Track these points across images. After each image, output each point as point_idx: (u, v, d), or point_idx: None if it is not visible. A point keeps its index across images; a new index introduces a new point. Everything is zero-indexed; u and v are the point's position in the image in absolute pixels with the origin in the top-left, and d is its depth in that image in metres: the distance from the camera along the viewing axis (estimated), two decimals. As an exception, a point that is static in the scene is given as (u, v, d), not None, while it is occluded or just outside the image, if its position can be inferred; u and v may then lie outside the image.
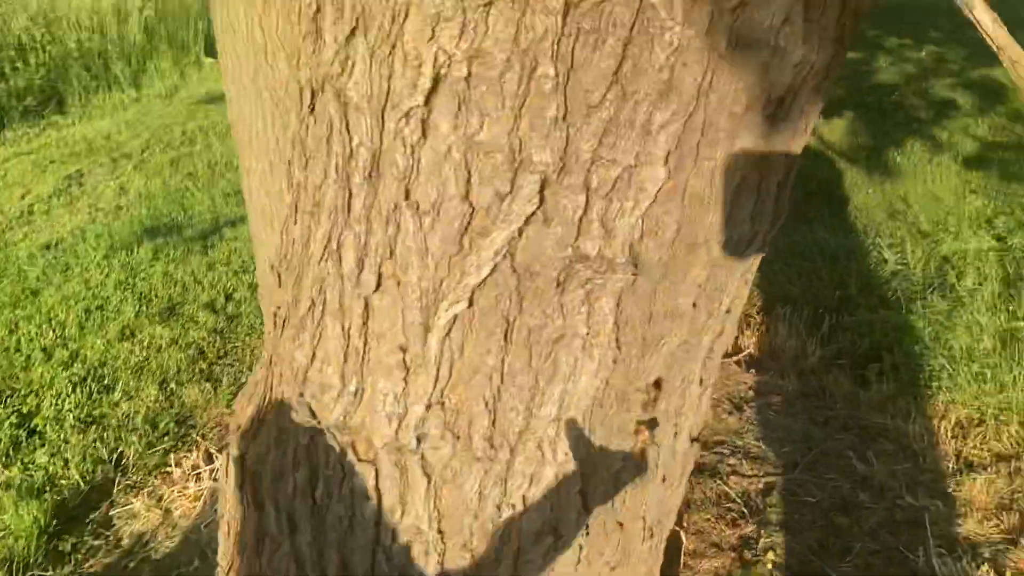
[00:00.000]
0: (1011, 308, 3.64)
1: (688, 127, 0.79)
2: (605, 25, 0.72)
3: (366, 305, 0.90)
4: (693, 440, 1.13)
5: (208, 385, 3.98)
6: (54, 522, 3.11)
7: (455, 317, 0.87)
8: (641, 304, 0.89)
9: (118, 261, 5.85)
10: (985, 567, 2.31)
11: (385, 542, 1.00)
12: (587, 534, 1.03)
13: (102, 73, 11.07)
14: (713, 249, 0.89)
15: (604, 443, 0.99)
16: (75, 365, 4.35)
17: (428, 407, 0.92)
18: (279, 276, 1.05)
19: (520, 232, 0.82)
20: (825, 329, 3.58)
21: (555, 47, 0.73)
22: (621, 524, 1.07)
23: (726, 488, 2.70)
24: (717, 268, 0.92)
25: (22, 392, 4.12)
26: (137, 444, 3.55)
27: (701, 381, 1.06)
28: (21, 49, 11.02)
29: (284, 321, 1.03)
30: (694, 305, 0.93)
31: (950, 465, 2.76)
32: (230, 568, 1.21)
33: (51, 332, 4.78)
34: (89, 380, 4.16)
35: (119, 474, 3.39)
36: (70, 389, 4.07)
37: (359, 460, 0.97)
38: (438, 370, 0.90)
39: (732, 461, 2.84)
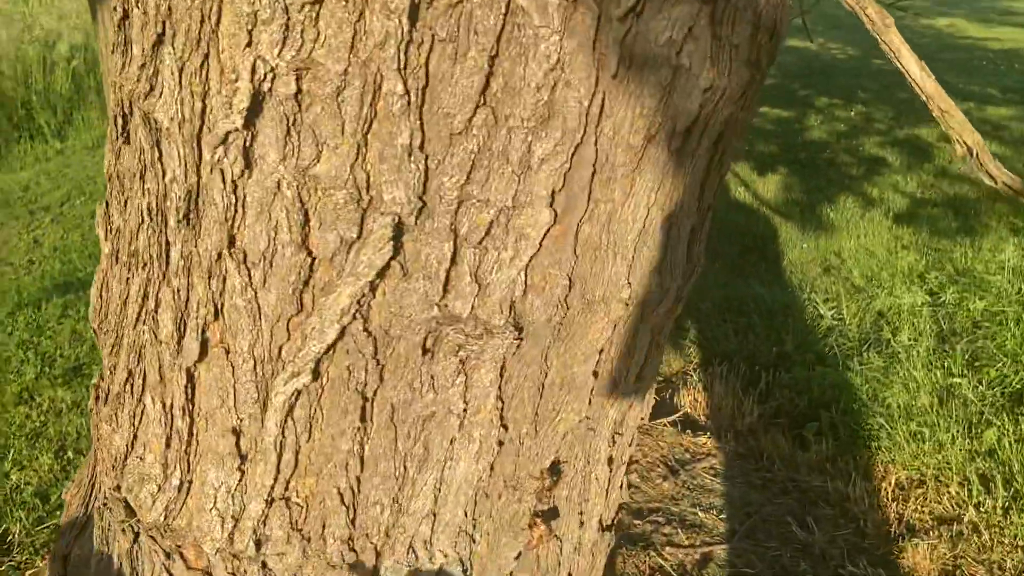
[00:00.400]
0: (946, 364, 3.60)
1: (576, 161, 0.65)
2: (465, 32, 0.58)
3: (189, 378, 0.73)
4: (606, 528, 0.97)
5: (112, 452, 3.71)
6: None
7: (297, 392, 0.70)
8: (530, 374, 0.74)
9: (23, 319, 5.52)
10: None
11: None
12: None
13: (25, 123, 10.75)
14: (614, 308, 0.74)
15: (493, 541, 0.82)
16: (-35, 431, 4.02)
17: (269, 503, 0.75)
18: (97, 337, 0.87)
19: (373, 287, 0.66)
20: (762, 386, 3.48)
21: (402, 57, 0.58)
22: (517, 635, 0.90)
23: (660, 560, 2.53)
24: (621, 330, 0.77)
25: (-100, 463, 3.78)
26: (24, 520, 3.24)
27: (611, 461, 0.91)
28: (-65, 97, 10.68)
29: (106, 395, 0.85)
30: (595, 374, 0.78)
31: (892, 529, 2.65)
32: None
33: (-58, 395, 4.44)
34: (-21, 448, 3.83)
35: (2, 554, 3.09)
36: (-44, 459, 3.73)
37: (188, 569, 0.79)
38: (280, 457, 0.73)
39: (667, 530, 2.68)
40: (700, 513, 2.80)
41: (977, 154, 3.86)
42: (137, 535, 0.82)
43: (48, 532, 3.16)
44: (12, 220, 8.50)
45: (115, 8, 0.68)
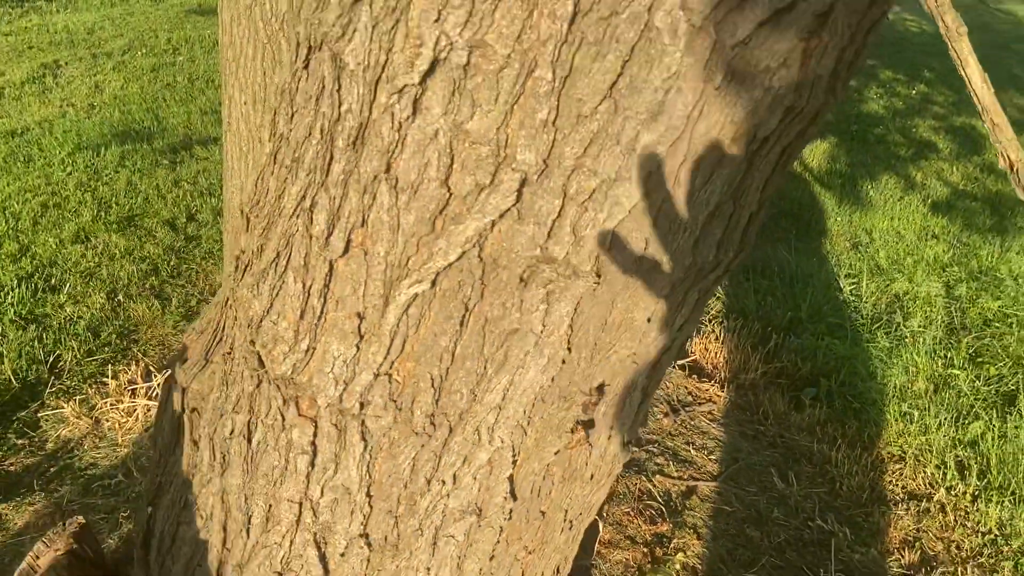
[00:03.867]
0: (949, 355, 3.74)
1: (671, 151, 0.81)
2: (608, 39, 0.73)
3: (330, 268, 0.90)
4: (625, 444, 1.16)
5: (157, 303, 3.94)
6: (-25, 416, 3.07)
7: (415, 295, 0.88)
8: (598, 312, 0.91)
9: (83, 161, 5.71)
10: (880, 597, 2.40)
11: (313, 496, 1.02)
12: (509, 518, 1.06)
13: (95, -35, 10.70)
14: (676, 271, 0.91)
15: (540, 436, 1.01)
16: (23, 260, 4.27)
17: (376, 376, 0.93)
18: (248, 220, 1.04)
19: (493, 225, 0.83)
20: (771, 347, 3.66)
21: (556, 52, 0.73)
22: (543, 513, 1.10)
23: (650, 486, 2.76)
24: (676, 288, 0.93)
25: (-39, 279, 4.04)
26: (76, 350, 3.51)
27: (644, 391, 1.09)
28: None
29: (246, 266, 1.03)
30: (648, 320, 0.94)
31: (864, 496, 2.85)
32: (154, 496, 1.21)
33: (3, 222, 4.67)
34: (36, 277, 4.09)
35: (53, 377, 3.36)
36: (15, 283, 3.99)
37: (300, 415, 0.98)
38: (391, 342, 0.91)
39: (660, 461, 2.90)
40: (692, 451, 3.02)
41: (1018, 171, 3.87)
42: (260, 382, 1.01)
43: (96, 364, 3.43)
44: (76, 61, 8.62)
45: (306, 42, 0.83)
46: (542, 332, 0.91)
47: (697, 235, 0.89)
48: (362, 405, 0.94)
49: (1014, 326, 4.06)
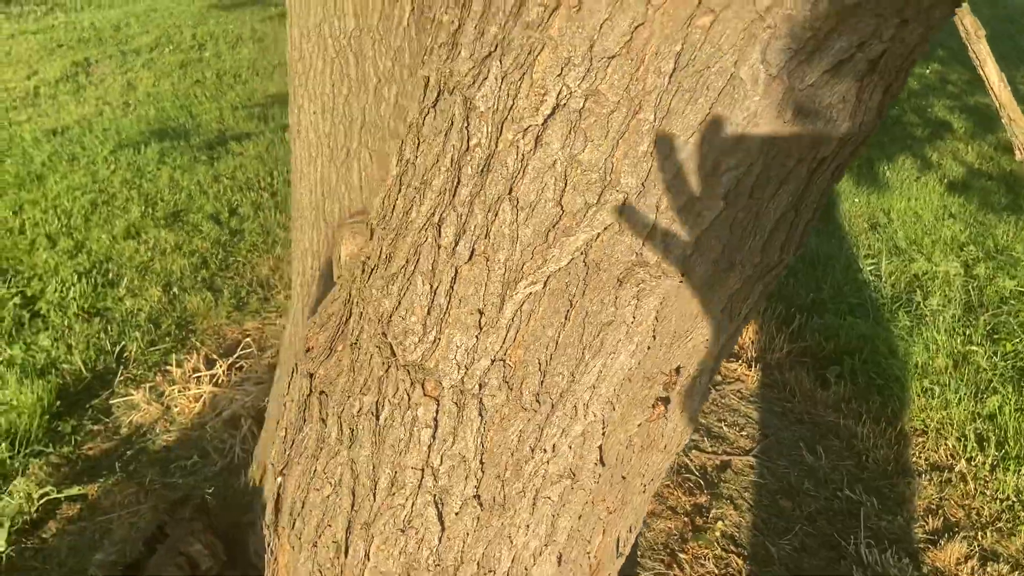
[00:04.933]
0: (967, 332, 3.88)
1: (747, 173, 0.97)
2: (700, 87, 0.89)
3: (456, 272, 1.07)
4: (692, 418, 1.33)
5: (209, 294, 4.13)
6: (57, 403, 3.27)
7: (530, 294, 1.05)
8: (680, 305, 1.08)
9: (125, 159, 5.91)
10: (906, 561, 2.57)
11: (434, 464, 1.19)
12: (597, 482, 1.23)
13: (116, -39, 10.83)
14: (746, 269, 1.07)
15: (626, 411, 1.18)
16: (80, 256, 4.47)
17: (492, 362, 1.11)
18: (372, 231, 1.22)
19: (598, 236, 1.00)
20: (795, 327, 3.81)
21: (658, 99, 0.90)
22: (624, 478, 1.27)
23: (687, 460, 2.93)
24: (746, 283, 1.10)
25: (26, 275, 4.24)
26: (139, 340, 3.72)
27: (711, 371, 1.26)
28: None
29: (372, 270, 1.20)
30: (722, 311, 1.11)
31: (889, 467, 3.01)
32: (284, 467, 1.39)
33: (56, 220, 4.87)
34: (94, 272, 4.29)
35: (120, 367, 3.56)
36: (75, 278, 4.19)
37: (425, 395, 1.15)
38: (507, 334, 1.08)
39: (695, 437, 3.07)
40: (724, 427, 3.19)
41: None
42: (389, 368, 1.18)
43: (159, 353, 3.63)
44: (106, 58, 8.80)
45: (451, 21, 0.99)
46: (632, 323, 1.08)
47: (765, 239, 1.06)
48: (480, 386, 1.12)
49: (1029, 305, 4.18)
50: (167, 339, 3.75)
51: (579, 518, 1.26)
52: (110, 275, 4.26)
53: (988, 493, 2.95)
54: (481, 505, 1.21)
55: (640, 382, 1.15)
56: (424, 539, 1.24)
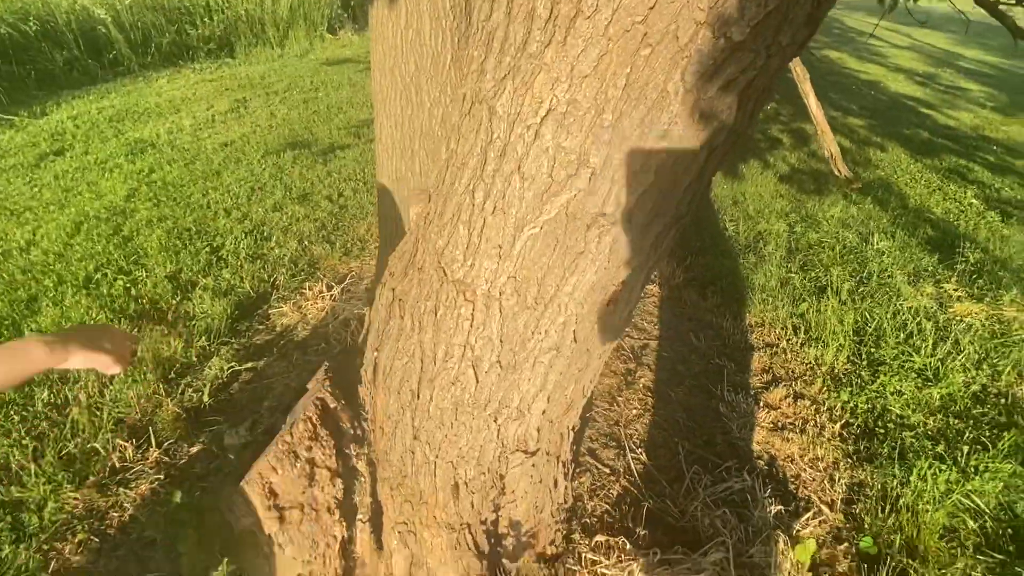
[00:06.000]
0: (788, 266, 3.83)
1: (669, 155, 0.91)
2: (641, 97, 0.83)
3: (484, 222, 1.02)
4: (629, 315, 1.29)
5: (327, 245, 4.03)
6: (235, 312, 3.22)
7: (532, 235, 1.00)
8: (625, 241, 1.03)
9: (271, 161, 5.72)
10: (751, 400, 2.58)
11: (471, 342, 1.16)
12: (572, 352, 1.20)
13: (260, 33, 10.42)
14: (667, 218, 1.02)
15: (590, 308, 1.14)
16: (245, 222, 4.34)
17: (508, 278, 1.06)
18: (430, 197, 1.16)
19: (575, 196, 0.94)
20: (687, 263, 3.76)
21: (616, 105, 0.83)
22: (588, 350, 1.24)
23: (622, 343, 2.91)
24: (666, 228, 1.05)
25: (211, 234, 4.14)
26: (285, 274, 3.64)
27: (642, 285, 1.21)
28: (208, 9, 10.35)
29: (431, 221, 1.15)
30: (651, 246, 1.07)
31: (741, 345, 3.00)
32: (378, 346, 1.36)
33: (229, 199, 4.74)
34: (255, 232, 4.17)
35: (273, 291, 3.50)
36: (243, 236, 4.08)
37: (466, 300, 1.11)
38: (517, 260, 1.04)
39: (627, 329, 3.05)
40: (644, 323, 3.16)
41: (834, 157, 3.92)
42: (443, 283, 1.14)
43: (297, 282, 3.56)
44: (256, 97, 8.43)
45: (480, 57, 0.91)
46: (595, 253, 1.03)
47: (679, 198, 1.00)
48: (500, 293, 1.08)
49: (825, 248, 4.14)
50: (302, 273, 3.69)
51: (560, 374, 1.24)
52: (264, 233, 4.16)
53: (798, 360, 2.95)
54: (501, 367, 1.18)
55: (599, 290, 1.11)
56: (466, 388, 1.22)
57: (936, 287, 3.62)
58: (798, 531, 1.95)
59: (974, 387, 2.76)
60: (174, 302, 3.31)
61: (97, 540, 1.83)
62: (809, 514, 2.02)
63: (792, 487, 2.18)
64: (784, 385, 2.72)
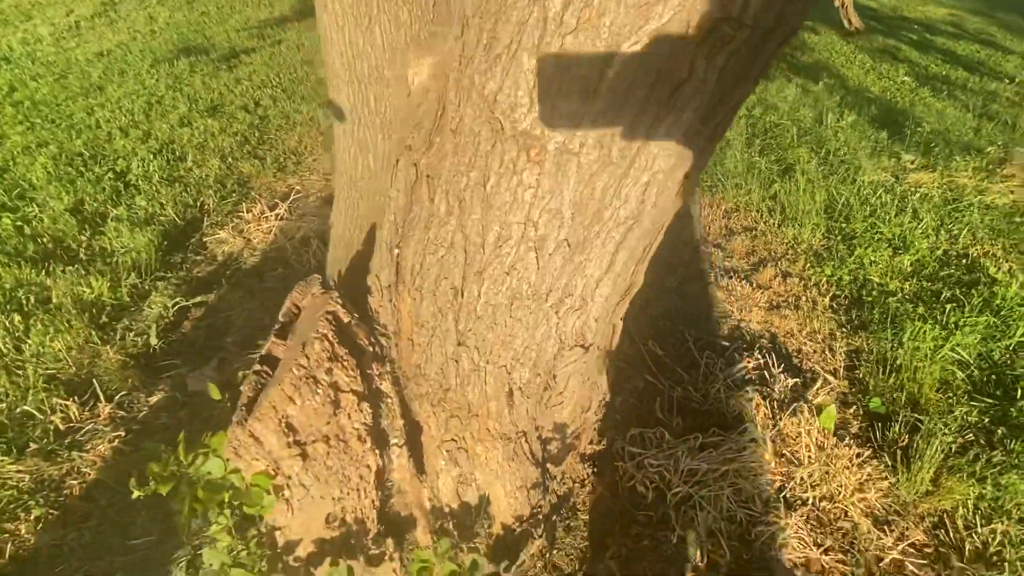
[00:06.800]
0: (750, 152, 3.78)
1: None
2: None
3: (562, 43, 0.76)
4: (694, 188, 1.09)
5: (257, 161, 3.53)
6: (164, 243, 2.77)
7: (628, 55, 0.75)
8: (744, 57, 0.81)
9: (163, 71, 4.88)
10: (743, 281, 2.55)
11: (533, 218, 0.93)
12: (651, 223, 1.00)
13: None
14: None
15: (674, 166, 0.93)
16: (149, 141, 3.71)
17: (592, 124, 0.82)
18: (463, 26, 0.86)
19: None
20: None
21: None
22: (662, 221, 1.05)
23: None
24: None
25: (111, 157, 3.50)
26: (214, 196, 3.15)
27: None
28: None
29: (468, 62, 0.86)
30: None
31: (722, 232, 2.95)
32: (399, 242, 1.10)
33: (123, 117, 4.01)
34: (164, 152, 3.58)
35: (204, 216, 3.03)
36: (151, 157, 3.49)
37: (530, 160, 0.87)
38: (606, 98, 0.79)
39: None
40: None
41: (845, 6, 3.77)
42: (495, 143, 0.88)
43: (230, 204, 3.10)
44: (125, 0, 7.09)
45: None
46: (702, 78, 0.81)
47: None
48: (581, 145, 0.84)
49: (783, 131, 4.11)
50: (233, 195, 3.20)
51: (629, 252, 1.04)
52: (176, 153, 3.56)
53: (778, 240, 2.95)
54: (569, 246, 0.97)
55: (692, 137, 0.90)
56: (523, 277, 1.00)
57: (892, 160, 3.70)
58: (811, 401, 1.96)
59: (938, 252, 2.88)
60: (83, 238, 2.77)
61: (57, 512, 1.53)
62: (818, 384, 2.04)
63: (796, 361, 2.20)
64: (771, 265, 2.70)
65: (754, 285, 2.59)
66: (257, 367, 1.19)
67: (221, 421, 1.80)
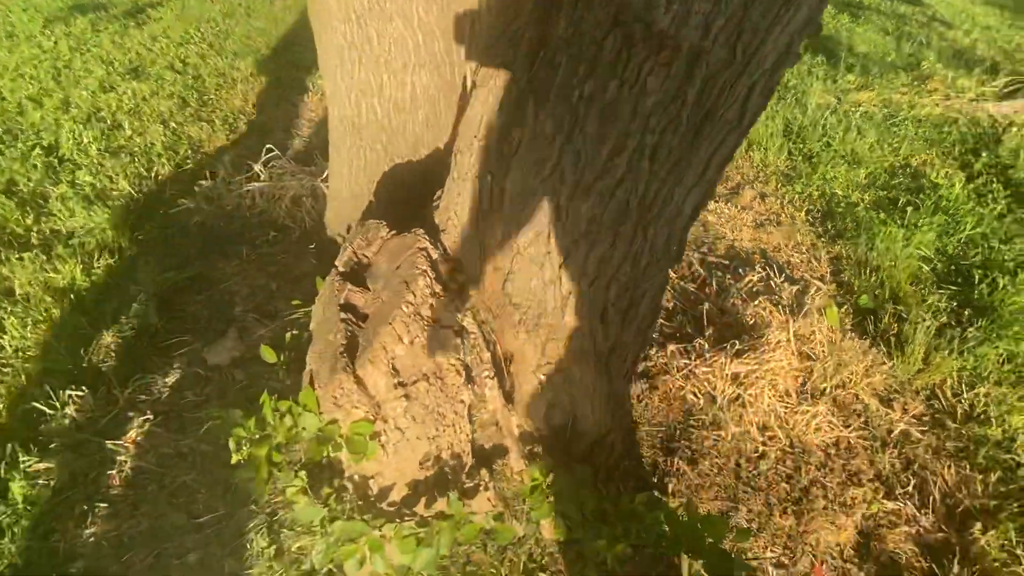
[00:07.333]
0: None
1: None
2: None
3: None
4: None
5: (205, 125, 3.22)
6: (128, 220, 2.51)
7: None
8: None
9: (60, 31, 4.26)
10: (727, 204, 2.66)
11: (652, 126, 0.93)
12: (747, 129, 1.03)
13: None
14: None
15: (779, 61, 0.96)
16: (71, 110, 3.28)
17: (725, 21, 0.83)
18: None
19: None
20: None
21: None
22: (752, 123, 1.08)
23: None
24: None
25: (30, 132, 3.07)
26: (168, 164, 2.87)
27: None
28: None
29: None
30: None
31: (731, 185, 3.03)
32: (492, 172, 1.07)
33: (29, 85, 3.50)
34: (93, 120, 3.18)
35: (166, 186, 2.75)
36: (80, 128, 3.10)
37: (659, 63, 0.86)
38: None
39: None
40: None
41: None
42: (620, 49, 0.86)
43: (188, 173, 2.83)
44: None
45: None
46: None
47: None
48: (714, 42, 0.84)
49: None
50: (188, 162, 2.92)
51: (724, 158, 1.08)
52: (108, 121, 3.17)
53: (749, 164, 3.11)
54: (679, 153, 0.99)
55: (796, 42, 0.92)
56: (632, 188, 1.01)
57: (832, 83, 3.93)
58: (811, 304, 2.14)
59: (884, 164, 3.14)
60: (27, 222, 2.45)
61: (104, 505, 1.43)
62: (813, 289, 2.22)
63: (788, 271, 2.37)
64: (747, 188, 2.85)
65: (738, 207, 2.73)
66: (343, 315, 1.14)
67: (258, 388, 1.71)
